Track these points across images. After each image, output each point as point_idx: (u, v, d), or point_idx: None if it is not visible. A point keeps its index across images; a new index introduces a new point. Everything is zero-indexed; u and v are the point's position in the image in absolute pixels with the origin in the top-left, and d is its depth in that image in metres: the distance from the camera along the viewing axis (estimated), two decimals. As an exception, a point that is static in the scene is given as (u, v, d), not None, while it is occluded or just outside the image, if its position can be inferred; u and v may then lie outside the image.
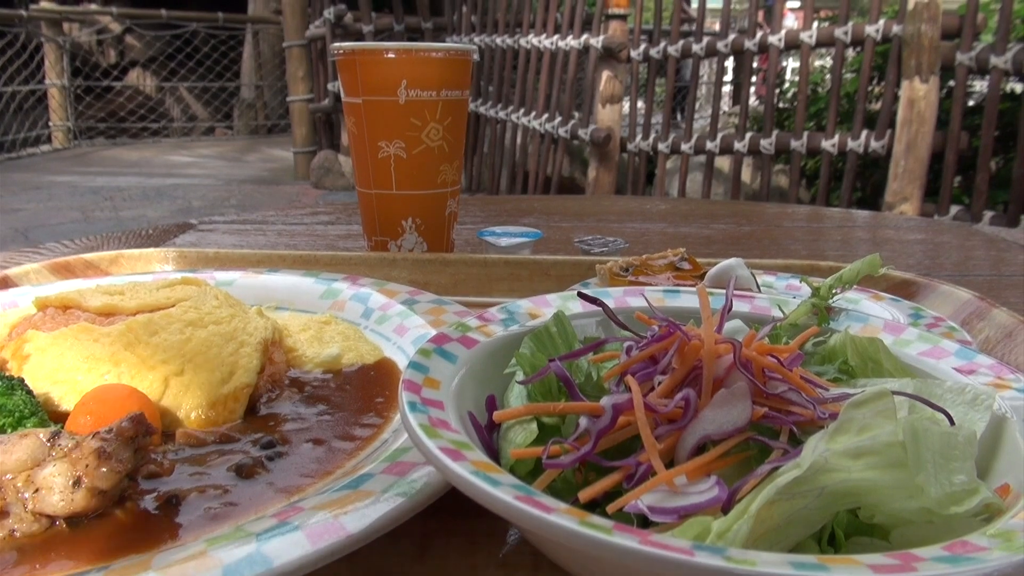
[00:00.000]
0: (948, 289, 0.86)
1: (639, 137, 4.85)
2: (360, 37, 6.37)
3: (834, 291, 0.62)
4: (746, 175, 5.10)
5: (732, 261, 0.80)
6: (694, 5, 4.72)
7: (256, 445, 0.54)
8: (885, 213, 3.04)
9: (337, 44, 1.04)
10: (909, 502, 0.36)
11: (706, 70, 7.35)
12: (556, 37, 5.13)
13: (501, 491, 0.34)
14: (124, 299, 0.68)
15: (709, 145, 4.47)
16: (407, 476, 0.45)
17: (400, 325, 0.74)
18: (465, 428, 0.43)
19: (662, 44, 4.66)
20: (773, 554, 0.31)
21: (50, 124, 9.81)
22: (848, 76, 4.81)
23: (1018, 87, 4.37)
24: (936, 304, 0.84)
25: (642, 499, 0.37)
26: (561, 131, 5.14)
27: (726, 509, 0.36)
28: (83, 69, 10.15)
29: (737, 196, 4.55)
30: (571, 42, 4.99)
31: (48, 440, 0.47)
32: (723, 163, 4.92)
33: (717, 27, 4.64)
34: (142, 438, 0.47)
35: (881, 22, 3.81)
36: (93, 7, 10.61)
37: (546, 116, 5.29)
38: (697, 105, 5.55)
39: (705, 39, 4.47)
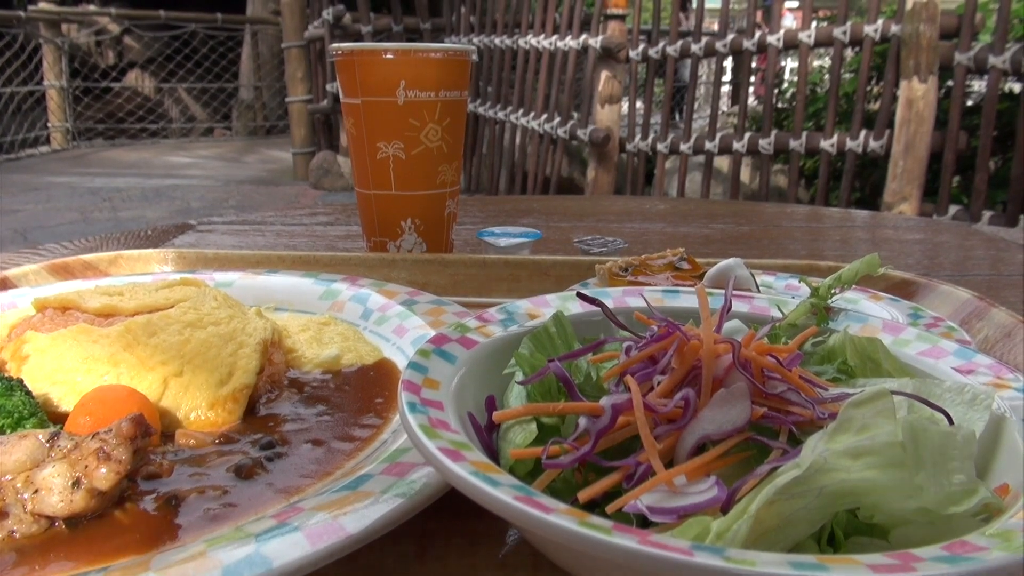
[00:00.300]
0: (947, 289, 0.86)
1: (638, 137, 4.85)
2: (359, 38, 6.37)
3: (833, 291, 0.62)
4: (745, 175, 5.10)
5: (731, 261, 0.80)
6: (693, 5, 4.72)
7: (255, 446, 0.54)
8: (884, 213, 3.04)
9: (336, 45, 1.04)
10: (908, 502, 0.36)
11: (705, 70, 7.35)
12: (555, 37, 5.13)
13: (501, 491, 0.34)
14: (123, 300, 0.68)
15: (708, 145, 4.47)
16: (406, 477, 0.45)
17: (399, 326, 0.74)
18: (464, 429, 0.43)
19: (661, 44, 4.66)
20: (772, 554, 0.31)
21: (49, 125, 9.81)
22: (847, 76, 4.81)
23: (1016, 87, 4.38)
24: (935, 304, 0.84)
25: (641, 499, 0.37)
26: (560, 131, 5.14)
27: (725, 509, 0.36)
28: (81, 70, 10.15)
29: (736, 196, 4.55)
30: (570, 42, 4.99)
31: (47, 441, 0.47)
32: (722, 163, 4.92)
33: (716, 27, 4.64)
34: (141, 439, 0.47)
35: (880, 22, 3.82)
36: (91, 8, 10.62)
37: (545, 116, 5.29)
38: (696, 105, 5.56)
39: (704, 39, 4.47)
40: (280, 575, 0.37)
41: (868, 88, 4.21)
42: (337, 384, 0.65)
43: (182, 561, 0.38)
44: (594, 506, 0.38)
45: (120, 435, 0.46)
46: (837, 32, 3.95)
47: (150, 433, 0.48)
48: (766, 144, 4.23)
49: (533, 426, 0.43)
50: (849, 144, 3.95)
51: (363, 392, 0.63)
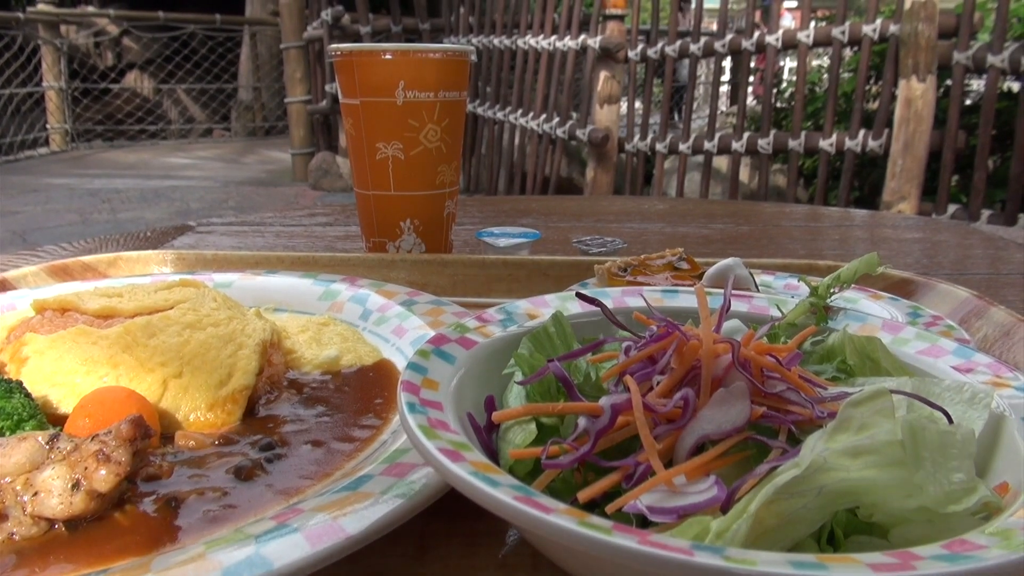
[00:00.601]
0: (946, 288, 0.86)
1: (637, 137, 4.85)
2: (357, 38, 6.37)
3: (832, 290, 0.62)
4: (744, 175, 5.10)
5: (730, 261, 0.80)
6: (691, 5, 4.73)
7: (255, 447, 0.54)
8: (883, 212, 3.04)
9: (335, 45, 1.04)
10: (908, 501, 0.36)
11: (704, 70, 7.35)
12: (554, 38, 5.13)
13: (500, 492, 0.34)
14: (122, 301, 0.68)
15: (707, 145, 4.47)
16: (406, 477, 0.45)
17: (399, 326, 0.74)
18: (464, 429, 0.43)
19: (659, 44, 4.66)
20: (772, 553, 0.31)
21: (48, 126, 9.80)
22: (845, 75, 4.82)
23: (1015, 86, 4.38)
24: (934, 303, 0.84)
25: (641, 499, 0.37)
26: (559, 131, 5.14)
27: (725, 509, 0.36)
28: (80, 71, 10.14)
29: (735, 196, 4.55)
30: (569, 43, 4.99)
31: (47, 443, 0.47)
32: (721, 163, 4.92)
33: (714, 27, 4.64)
34: (141, 441, 0.47)
35: (878, 21, 3.82)
36: (90, 9, 10.61)
37: (544, 117, 5.29)
38: (695, 105, 5.56)
39: (702, 39, 4.47)
40: (280, 576, 0.37)
41: (867, 87, 4.21)
42: (336, 385, 0.65)
43: (182, 563, 0.38)
44: (594, 506, 0.38)
45: (119, 437, 0.46)
46: (836, 32, 3.95)
47: (149, 435, 0.48)
48: (765, 144, 4.23)
49: (532, 426, 0.43)
50: (848, 143, 3.96)
51: (362, 393, 0.63)
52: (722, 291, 0.56)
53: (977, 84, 4.58)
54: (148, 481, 0.49)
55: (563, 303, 0.59)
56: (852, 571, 0.30)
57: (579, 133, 4.96)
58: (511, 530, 0.47)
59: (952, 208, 3.82)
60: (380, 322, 0.76)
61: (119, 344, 0.61)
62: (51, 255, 1.14)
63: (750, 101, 5.82)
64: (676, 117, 8.04)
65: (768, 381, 0.44)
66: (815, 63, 5.79)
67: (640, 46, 4.74)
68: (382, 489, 0.44)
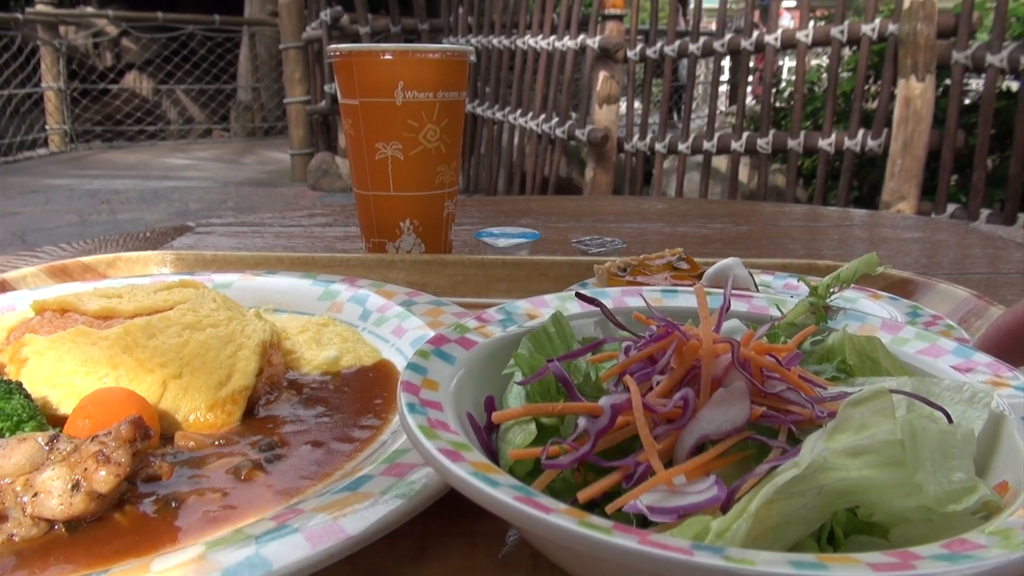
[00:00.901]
0: (945, 287, 0.86)
1: (636, 137, 4.85)
2: (356, 39, 6.37)
3: (832, 290, 0.62)
4: (743, 175, 5.10)
5: (730, 261, 0.80)
6: (690, 5, 4.73)
7: (255, 447, 0.54)
8: (882, 212, 3.04)
9: (334, 46, 1.04)
10: (908, 500, 0.36)
11: (703, 70, 7.36)
12: (553, 38, 5.13)
13: (500, 492, 0.34)
14: (122, 302, 0.68)
15: (706, 145, 4.47)
16: (406, 477, 0.45)
17: (398, 326, 0.74)
18: (464, 429, 0.43)
19: (659, 44, 4.66)
20: (772, 553, 0.31)
21: (46, 127, 9.79)
22: (844, 75, 4.82)
23: (1014, 85, 4.38)
24: (934, 302, 0.84)
25: (641, 499, 0.37)
26: (558, 132, 5.14)
27: (725, 508, 0.36)
28: (79, 72, 10.13)
29: (734, 196, 4.56)
30: (568, 43, 4.99)
31: (47, 444, 0.47)
32: (720, 163, 4.92)
33: (713, 27, 4.64)
34: (141, 441, 0.47)
35: (877, 21, 3.82)
36: (89, 10, 10.60)
37: (543, 117, 5.29)
38: (694, 105, 5.56)
39: (701, 39, 4.47)
40: (280, 577, 0.37)
41: (866, 87, 4.21)
42: (336, 385, 0.65)
43: (182, 564, 0.38)
44: (594, 506, 0.38)
45: (119, 438, 0.46)
46: (835, 31, 3.95)
47: (149, 435, 0.48)
48: (764, 144, 4.23)
49: (532, 426, 0.43)
50: (847, 143, 3.96)
51: (362, 393, 0.63)
52: (722, 291, 0.56)
53: (976, 83, 4.58)
54: (148, 482, 0.49)
55: (563, 303, 0.59)
56: (852, 571, 0.30)
57: (578, 133, 4.96)
58: (511, 530, 0.47)
59: (951, 208, 3.82)
60: (380, 322, 0.76)
61: (119, 345, 0.61)
62: (50, 256, 1.14)
63: (749, 101, 5.82)
64: (675, 117, 8.04)
65: (768, 381, 0.44)
66: (814, 63, 5.79)
67: (639, 46, 4.75)
68: (382, 489, 0.44)
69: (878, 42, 3.87)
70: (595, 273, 0.88)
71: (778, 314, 0.60)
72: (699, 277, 0.83)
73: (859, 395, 0.37)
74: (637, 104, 4.95)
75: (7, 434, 0.50)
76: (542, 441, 0.42)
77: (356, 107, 1.04)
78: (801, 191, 5.04)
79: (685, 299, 0.62)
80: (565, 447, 0.41)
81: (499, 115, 5.81)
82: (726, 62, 6.02)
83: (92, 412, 0.54)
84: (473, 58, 1.09)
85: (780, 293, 0.85)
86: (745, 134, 4.35)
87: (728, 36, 4.35)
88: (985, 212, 3.69)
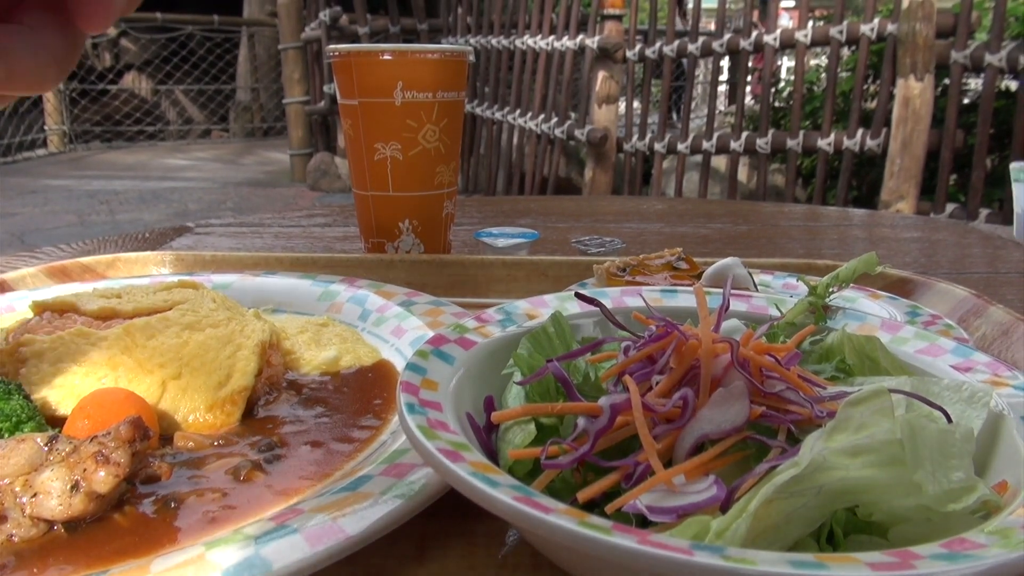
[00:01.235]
0: (945, 287, 0.86)
1: (635, 137, 4.86)
2: (355, 39, 6.37)
3: (831, 290, 0.62)
4: (743, 174, 5.10)
5: (729, 260, 0.80)
6: (689, 5, 4.73)
7: (254, 448, 0.54)
8: (881, 211, 3.04)
9: (333, 46, 1.04)
10: (907, 500, 0.36)
11: (702, 70, 7.35)
12: (552, 38, 5.13)
13: (500, 492, 0.34)
14: (121, 303, 0.68)
15: (705, 145, 4.48)
16: (406, 478, 0.45)
17: (398, 327, 0.74)
18: (463, 429, 0.43)
19: (658, 44, 4.66)
20: (772, 553, 0.31)
21: (45, 128, 9.79)
22: (843, 75, 4.82)
23: (1012, 84, 4.38)
24: (933, 302, 0.84)
25: (641, 499, 0.37)
26: (557, 132, 5.14)
27: (724, 508, 0.36)
28: (78, 72, 10.12)
29: (734, 195, 4.56)
30: (567, 43, 4.99)
31: (46, 444, 0.47)
32: (719, 163, 4.92)
33: (712, 27, 4.64)
34: (140, 442, 0.47)
35: (876, 21, 3.82)
36: (88, 10, 10.58)
37: (542, 117, 5.29)
38: (693, 105, 5.55)
39: (700, 39, 4.47)
40: (279, 577, 0.37)
41: (865, 87, 4.21)
42: (336, 386, 0.65)
43: (181, 564, 0.38)
44: (593, 506, 0.38)
45: (118, 438, 0.46)
46: (834, 31, 3.95)
47: (148, 436, 0.48)
48: (763, 143, 4.23)
49: (532, 426, 0.43)
50: (846, 143, 3.96)
51: (362, 393, 0.63)
52: (721, 291, 0.56)
53: (975, 83, 4.58)
54: (147, 482, 0.49)
55: (562, 303, 0.59)
56: (851, 570, 0.30)
57: (577, 133, 4.96)
58: (511, 530, 0.47)
59: (950, 207, 3.82)
60: (379, 323, 0.76)
61: (118, 345, 0.61)
62: (49, 256, 1.14)
63: (748, 101, 5.82)
64: (675, 117, 8.04)
65: (767, 381, 0.44)
66: (813, 62, 5.79)
67: (638, 46, 4.75)
68: (381, 490, 0.44)
69: (877, 42, 3.87)
70: (594, 273, 0.88)
71: (777, 314, 0.60)
72: (698, 277, 0.83)
73: (858, 395, 0.37)
74: (636, 104, 4.95)
75: (6, 435, 0.50)
76: (541, 441, 0.42)
77: (355, 107, 1.04)
78: (800, 191, 5.04)
79: (684, 299, 0.62)
80: (564, 447, 0.41)
81: (498, 115, 5.81)
82: (725, 62, 6.03)
83: (91, 413, 0.54)
84: (472, 58, 1.09)
85: (779, 293, 0.85)
86: (744, 134, 4.35)
87: (727, 36, 4.35)
88: (984, 211, 3.69)
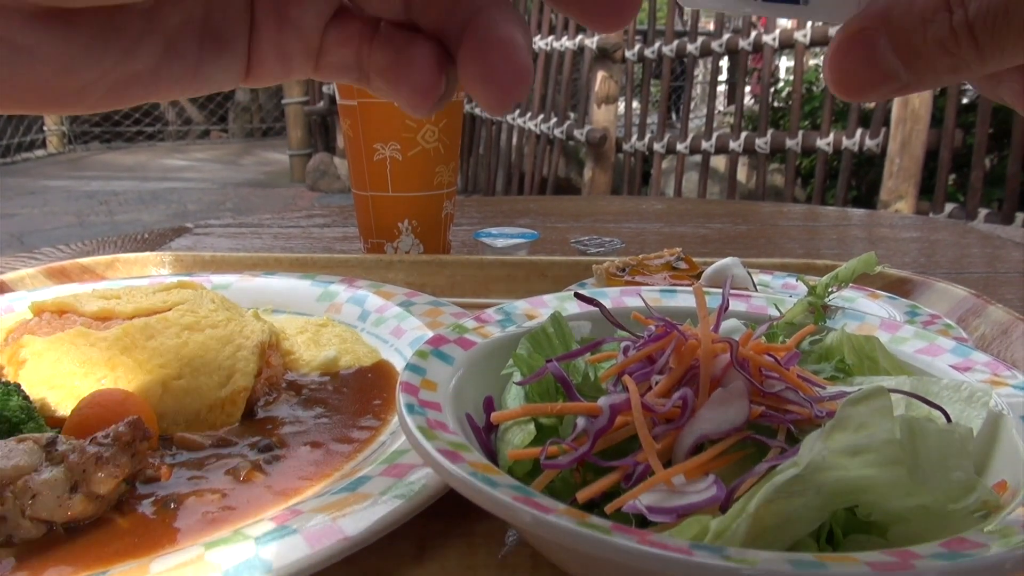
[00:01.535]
0: (944, 286, 0.86)
1: (635, 137, 4.86)
2: (355, 39, 6.35)
3: (830, 289, 0.62)
4: (742, 174, 5.10)
5: (728, 260, 0.80)
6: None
7: (254, 448, 0.54)
8: (880, 211, 3.04)
9: (332, 46, 1.04)
10: (906, 499, 0.36)
11: (701, 70, 7.35)
12: (551, 38, 5.13)
13: (499, 492, 0.34)
14: (120, 303, 0.68)
15: (705, 145, 4.48)
16: (405, 478, 0.45)
17: (397, 327, 0.74)
18: (463, 429, 0.43)
19: (657, 44, 4.66)
20: (772, 552, 0.31)
21: (44, 129, 9.78)
22: (843, 75, 4.81)
23: (1012, 84, 4.38)
24: (932, 301, 0.84)
25: (640, 499, 0.37)
26: (557, 132, 5.15)
27: (724, 508, 0.36)
28: (77, 73, 10.11)
29: (733, 195, 4.56)
30: (566, 43, 4.99)
31: (45, 445, 0.47)
32: (719, 163, 4.92)
33: (711, 27, 4.64)
34: (139, 443, 0.47)
35: (875, 21, 3.82)
36: (87, 11, 10.58)
37: (541, 117, 5.29)
38: (692, 105, 5.56)
39: (700, 39, 4.47)
40: (279, 578, 0.37)
41: (864, 87, 4.20)
42: (335, 386, 0.65)
43: (181, 565, 0.38)
44: (593, 506, 0.38)
45: (118, 439, 0.46)
46: (833, 31, 3.95)
47: (148, 436, 0.48)
48: (762, 143, 4.23)
49: (531, 427, 0.43)
50: (845, 143, 3.96)
51: (361, 394, 0.63)
52: (720, 291, 0.56)
53: (974, 83, 4.58)
54: (147, 483, 0.49)
55: (561, 303, 0.59)
56: (851, 570, 0.30)
57: (577, 133, 4.96)
58: (511, 530, 0.47)
59: (949, 207, 3.82)
60: (378, 323, 0.76)
61: (117, 346, 0.61)
62: (49, 257, 1.14)
63: (747, 101, 5.82)
64: (674, 117, 8.04)
65: (767, 380, 0.44)
66: (812, 62, 5.79)
67: (637, 46, 4.75)
68: (381, 490, 0.44)
69: (876, 42, 3.87)
70: (594, 273, 0.88)
71: (777, 314, 0.60)
72: (698, 277, 0.83)
73: (858, 394, 0.37)
74: (635, 104, 4.96)
75: (5, 436, 0.50)
76: (541, 441, 0.42)
77: (354, 108, 1.04)
78: (799, 191, 5.04)
79: (684, 299, 0.62)
80: (564, 447, 0.41)
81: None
82: (724, 62, 6.03)
83: (91, 413, 0.54)
84: (471, 58, 1.09)
85: (779, 293, 0.85)
86: (743, 134, 4.35)
87: (726, 36, 4.35)
88: (983, 211, 3.69)
